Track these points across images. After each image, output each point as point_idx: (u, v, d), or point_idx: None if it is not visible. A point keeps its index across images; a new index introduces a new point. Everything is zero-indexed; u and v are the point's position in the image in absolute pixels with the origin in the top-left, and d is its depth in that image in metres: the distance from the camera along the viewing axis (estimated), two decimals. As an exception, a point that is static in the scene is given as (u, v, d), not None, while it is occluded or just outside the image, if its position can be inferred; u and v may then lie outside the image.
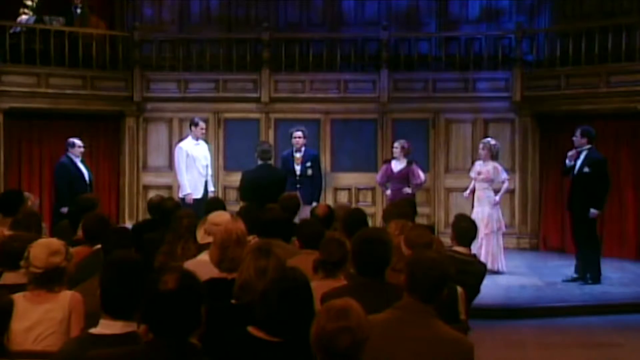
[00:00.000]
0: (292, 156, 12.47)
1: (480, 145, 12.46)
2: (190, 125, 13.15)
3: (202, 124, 13.06)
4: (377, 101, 15.01)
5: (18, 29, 14.31)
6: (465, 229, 6.76)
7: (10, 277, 5.12)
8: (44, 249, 4.67)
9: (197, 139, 12.96)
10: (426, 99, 14.99)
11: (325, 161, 14.77)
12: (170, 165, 15.19)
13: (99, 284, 3.80)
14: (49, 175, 14.68)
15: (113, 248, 5.22)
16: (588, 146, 11.42)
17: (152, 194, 14.83)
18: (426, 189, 14.82)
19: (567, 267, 12.28)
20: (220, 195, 14.94)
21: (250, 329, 3.78)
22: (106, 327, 3.72)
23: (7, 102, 13.93)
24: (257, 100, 15.15)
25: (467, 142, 14.94)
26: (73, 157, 12.61)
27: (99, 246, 5.75)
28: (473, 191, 12.50)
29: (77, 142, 12.72)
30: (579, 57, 13.82)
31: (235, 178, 14.20)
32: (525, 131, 14.69)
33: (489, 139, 12.76)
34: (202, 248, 6.28)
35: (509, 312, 10.10)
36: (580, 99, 13.69)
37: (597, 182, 11.29)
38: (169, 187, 15.10)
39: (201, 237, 6.35)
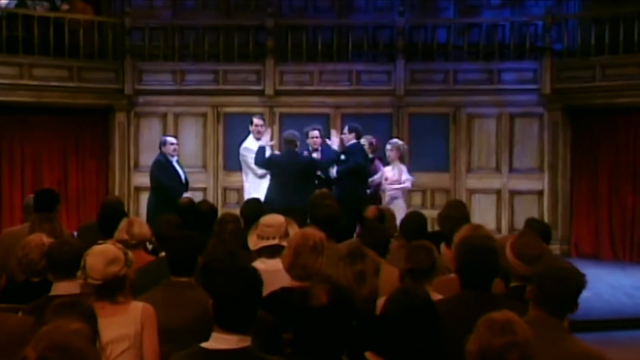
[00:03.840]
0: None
1: (388, 147, 12.33)
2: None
3: (256, 121, 12.56)
4: (392, 94, 14.94)
5: (-1, 14, 14.12)
6: (541, 232, 6.67)
7: (62, 287, 5.05)
8: (101, 257, 4.63)
9: (258, 138, 12.44)
10: (446, 91, 14.92)
11: (336, 159, 14.64)
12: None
13: (212, 295, 3.76)
14: (32, 176, 14.53)
15: (179, 256, 5.19)
16: (354, 141, 12.01)
17: (144, 196, 14.77)
18: (446, 191, 14.78)
19: (605, 275, 12.25)
20: (219, 198, 14.88)
21: (368, 354, 3.73)
22: (221, 341, 3.67)
23: (-13, 95, 13.79)
24: (260, 93, 15.04)
25: (491, 139, 14.88)
26: (168, 156, 12.25)
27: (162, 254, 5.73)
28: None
29: (169, 139, 12.45)
30: (616, 45, 13.79)
31: (236, 179, 14.14)
32: (555, 127, 14.63)
33: (396, 140, 12.76)
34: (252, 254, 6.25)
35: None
36: (617, 92, 13.64)
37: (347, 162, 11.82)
38: (163, 189, 14.94)
39: (254, 242, 6.25)
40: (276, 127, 14.89)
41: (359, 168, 11.89)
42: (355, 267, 4.81)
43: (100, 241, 5.17)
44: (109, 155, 15.31)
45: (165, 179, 12.04)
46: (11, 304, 5.33)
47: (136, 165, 15.28)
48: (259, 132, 12.54)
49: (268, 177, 12.19)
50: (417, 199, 14.61)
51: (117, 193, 15.01)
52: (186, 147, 15.07)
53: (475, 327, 3.46)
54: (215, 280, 3.82)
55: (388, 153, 12.28)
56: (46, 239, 5.73)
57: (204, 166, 15.16)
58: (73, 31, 14.59)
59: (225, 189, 15.10)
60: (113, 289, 4.58)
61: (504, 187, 14.76)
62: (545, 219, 14.48)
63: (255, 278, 3.84)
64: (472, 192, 14.87)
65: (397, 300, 3.84)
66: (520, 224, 14.31)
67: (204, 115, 15.18)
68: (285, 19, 15.60)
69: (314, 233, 5.44)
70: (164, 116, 15.29)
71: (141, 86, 15.19)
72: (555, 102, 14.52)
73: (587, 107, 14.34)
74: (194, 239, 5.42)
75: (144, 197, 14.71)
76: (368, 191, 12.31)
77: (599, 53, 14.05)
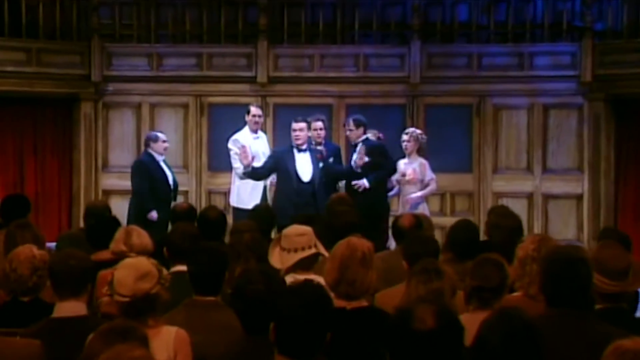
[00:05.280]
0: (312, 152, 12.33)
1: (405, 137, 12.40)
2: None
3: (254, 110, 12.71)
4: (406, 82, 14.86)
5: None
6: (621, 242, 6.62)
7: (66, 308, 5.05)
8: (131, 271, 4.70)
9: (255, 131, 12.63)
10: (468, 78, 14.86)
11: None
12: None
13: (275, 317, 3.81)
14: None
15: (204, 272, 5.27)
16: (364, 137, 12.28)
17: (115, 200, 14.63)
18: (469, 194, 14.72)
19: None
20: (203, 202, 14.72)
21: None
22: None
23: None
24: (251, 80, 14.95)
25: (521, 133, 14.80)
26: (155, 154, 12.51)
27: (180, 268, 5.73)
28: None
29: (161, 135, 12.73)
30: (670, 24, 13.77)
31: (223, 180, 14.07)
32: (597, 120, 14.54)
33: (413, 128, 12.88)
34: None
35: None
36: (671, 79, 13.61)
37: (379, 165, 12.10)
38: (138, 193, 14.83)
39: (278, 258, 6.23)
40: (270, 120, 14.77)
41: (394, 171, 12.15)
42: (431, 285, 4.94)
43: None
44: (73, 153, 15.16)
45: (146, 187, 12.25)
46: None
47: (105, 165, 15.16)
48: (256, 124, 12.60)
49: (253, 180, 12.24)
50: (435, 203, 14.44)
51: (82, 197, 15.01)
52: (164, 143, 15.00)
53: (603, 356, 3.44)
54: (279, 300, 3.87)
55: (405, 144, 12.33)
56: (37, 251, 5.70)
57: (185, 166, 15.04)
58: (31, 7, 14.50)
59: (210, 193, 15.00)
60: (143, 309, 4.62)
61: (537, 190, 14.67)
62: (585, 228, 14.57)
63: (324, 296, 3.92)
64: (499, 195, 14.77)
65: (495, 324, 3.76)
66: (555, 232, 14.39)
67: (185, 106, 15.06)
68: (280, -7, 15.53)
69: (362, 243, 5.40)
70: (138, 107, 15.17)
71: (111, 72, 15.05)
72: (596, 90, 14.43)
73: (634, 97, 14.22)
74: (222, 253, 5.46)
75: (115, 202, 14.57)
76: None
77: (648, 34, 14.02)
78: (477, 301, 5.24)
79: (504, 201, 14.48)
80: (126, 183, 14.75)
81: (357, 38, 15.20)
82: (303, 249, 6.05)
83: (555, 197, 14.66)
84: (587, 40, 14.37)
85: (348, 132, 12.46)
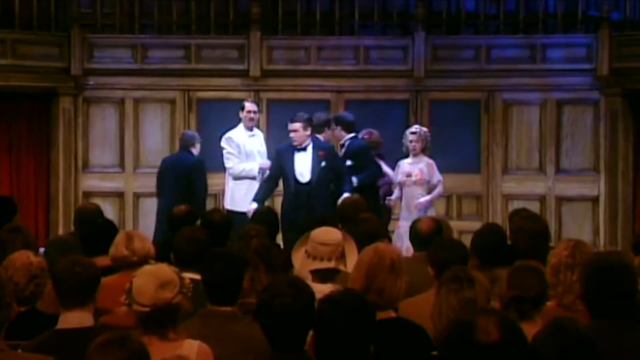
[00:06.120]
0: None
1: (412, 136, 12.38)
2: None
3: (249, 106, 12.78)
4: (409, 76, 14.84)
5: None
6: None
7: (72, 318, 5.03)
8: (152, 278, 4.66)
9: (250, 128, 12.71)
10: (476, 72, 14.84)
11: (339, 156, 14.55)
12: (122, 163, 14.86)
13: (314, 327, 3.86)
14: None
15: (221, 280, 5.25)
16: (350, 136, 12.47)
17: (96, 202, 14.53)
18: (476, 196, 14.67)
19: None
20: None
21: None
22: None
23: None
24: (243, 73, 14.92)
25: (533, 131, 14.77)
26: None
27: (188, 275, 5.57)
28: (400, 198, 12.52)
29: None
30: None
31: (214, 181, 13.98)
32: (614, 116, 14.52)
33: (418, 125, 12.89)
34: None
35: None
36: (693, 72, 13.62)
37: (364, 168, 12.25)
38: (120, 195, 14.83)
39: (301, 261, 6.28)
40: (263, 117, 14.67)
41: (379, 175, 12.31)
42: (463, 294, 4.94)
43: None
44: (50, 152, 15.06)
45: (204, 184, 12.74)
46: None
47: (85, 165, 15.07)
48: (251, 120, 12.66)
49: (250, 179, 12.14)
50: (440, 206, 14.37)
51: (61, 199, 14.95)
52: (149, 141, 15.07)
53: None
54: (319, 310, 3.92)
55: (413, 144, 12.27)
56: (34, 258, 5.66)
57: (172, 166, 14.89)
58: (6, -5, 14.47)
59: (200, 194, 14.88)
60: (163, 320, 4.57)
61: (550, 192, 14.65)
62: (602, 231, 14.56)
63: (367, 306, 3.97)
64: (509, 198, 14.76)
65: (550, 337, 3.73)
66: (570, 237, 14.34)
67: (172, 101, 15.01)
68: (274, -20, 15.49)
69: (390, 249, 5.47)
70: (121, 102, 15.10)
71: (92, 64, 14.99)
72: (613, 85, 14.42)
73: (654, 92, 14.26)
74: (238, 259, 5.46)
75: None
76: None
77: (670, 24, 14.04)
78: (516, 311, 5.15)
79: (514, 204, 14.48)
80: (109, 184, 14.85)
81: (356, 29, 15.17)
82: (322, 259, 6.08)
83: (570, 199, 14.64)
84: (603, 31, 14.35)
85: (334, 131, 12.57)
